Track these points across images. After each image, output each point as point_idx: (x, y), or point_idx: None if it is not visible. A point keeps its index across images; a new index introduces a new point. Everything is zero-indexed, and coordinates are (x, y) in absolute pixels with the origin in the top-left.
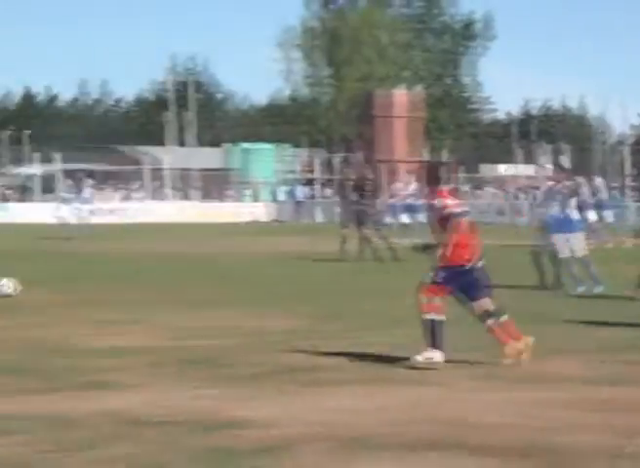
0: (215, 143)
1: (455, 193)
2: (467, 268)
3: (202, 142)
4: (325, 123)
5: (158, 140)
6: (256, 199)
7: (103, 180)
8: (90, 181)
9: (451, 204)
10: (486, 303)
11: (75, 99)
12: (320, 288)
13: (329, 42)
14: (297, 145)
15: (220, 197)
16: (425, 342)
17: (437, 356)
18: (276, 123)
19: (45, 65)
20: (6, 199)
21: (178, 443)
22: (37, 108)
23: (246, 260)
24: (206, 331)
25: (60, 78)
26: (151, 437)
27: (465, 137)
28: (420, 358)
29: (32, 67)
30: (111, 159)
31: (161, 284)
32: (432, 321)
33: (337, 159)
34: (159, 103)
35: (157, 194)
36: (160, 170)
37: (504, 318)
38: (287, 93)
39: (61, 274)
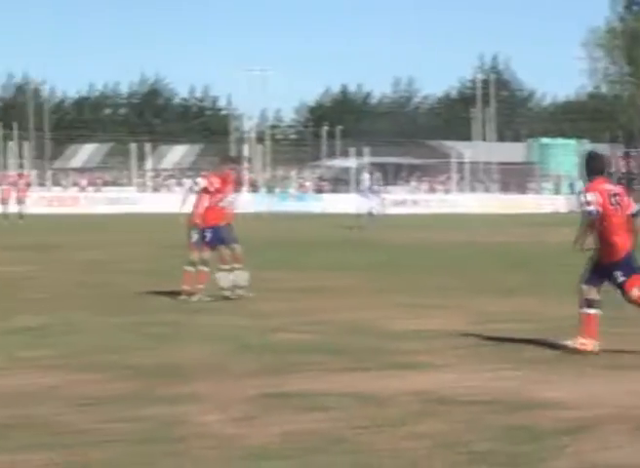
0: (515, 138)
1: (607, 182)
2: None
3: (503, 138)
4: (625, 119)
5: (463, 135)
6: (556, 192)
7: (410, 173)
8: (378, 174)
9: (590, 200)
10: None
11: (387, 96)
12: None
13: (630, 42)
14: (595, 141)
15: (520, 189)
16: None
17: None
18: (575, 119)
19: (360, 64)
20: (320, 190)
21: (482, 421)
22: (352, 105)
23: (545, 249)
24: (506, 316)
25: (374, 76)
26: (456, 415)
27: None
28: None
29: (349, 66)
30: (419, 153)
31: (463, 271)
32: None
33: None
34: (464, 100)
35: (460, 186)
36: (462, 163)
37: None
38: (588, 90)
39: (369, 262)
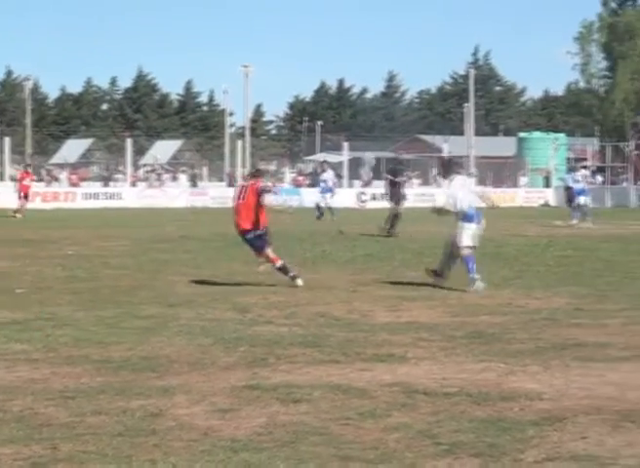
0: (493, 133)
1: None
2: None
3: (481, 132)
4: (601, 114)
5: (446, 131)
6: (546, 185)
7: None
8: (328, 169)
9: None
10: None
11: (384, 93)
12: (590, 268)
13: (610, 37)
14: (584, 135)
15: (507, 183)
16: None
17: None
18: (570, 113)
19: (356, 61)
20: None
21: (462, 413)
22: (347, 101)
23: (528, 242)
24: (490, 309)
25: (371, 72)
26: (438, 407)
27: None
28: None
29: (346, 62)
30: (403, 148)
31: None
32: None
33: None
34: (444, 95)
35: (435, 180)
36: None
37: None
38: (581, 85)
39: (349, 255)
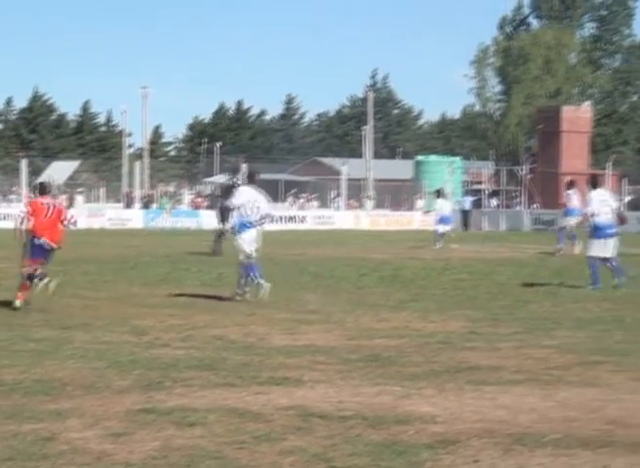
0: (391, 156)
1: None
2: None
3: (380, 155)
4: (509, 137)
5: (344, 153)
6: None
7: (289, 190)
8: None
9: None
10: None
11: (283, 115)
12: (485, 292)
13: (518, 61)
14: (480, 158)
15: (406, 206)
16: None
17: None
18: (466, 137)
19: (255, 83)
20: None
21: (357, 436)
22: (248, 122)
23: (424, 265)
24: (386, 332)
25: (270, 95)
26: (333, 430)
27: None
28: None
29: (245, 83)
30: (303, 171)
31: (342, 287)
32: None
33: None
34: (342, 118)
35: (333, 203)
36: (337, 180)
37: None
38: (477, 108)
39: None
